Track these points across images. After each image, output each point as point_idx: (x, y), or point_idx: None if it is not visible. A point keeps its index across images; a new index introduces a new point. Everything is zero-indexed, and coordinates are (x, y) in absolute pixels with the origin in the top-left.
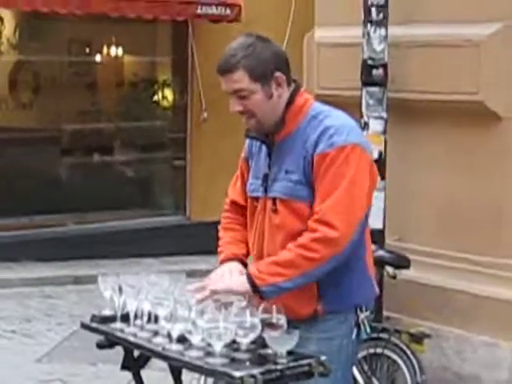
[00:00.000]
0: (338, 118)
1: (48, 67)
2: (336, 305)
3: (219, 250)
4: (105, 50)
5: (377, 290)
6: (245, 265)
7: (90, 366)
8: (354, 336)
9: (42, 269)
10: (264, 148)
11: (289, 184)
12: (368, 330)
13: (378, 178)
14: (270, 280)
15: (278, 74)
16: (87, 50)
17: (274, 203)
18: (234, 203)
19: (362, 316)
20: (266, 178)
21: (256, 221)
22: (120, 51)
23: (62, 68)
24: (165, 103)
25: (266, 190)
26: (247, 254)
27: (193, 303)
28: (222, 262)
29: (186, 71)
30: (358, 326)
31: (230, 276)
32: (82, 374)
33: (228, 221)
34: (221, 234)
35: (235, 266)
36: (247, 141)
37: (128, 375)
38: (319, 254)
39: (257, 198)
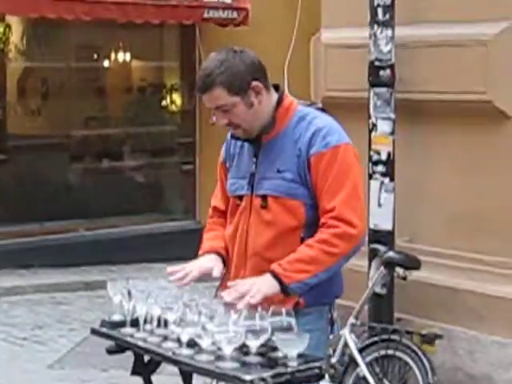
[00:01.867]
0: (325, 120)
1: (56, 73)
2: (315, 298)
3: (201, 247)
4: (112, 55)
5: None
6: (220, 255)
7: (101, 371)
8: (328, 332)
9: (53, 275)
10: (248, 148)
11: (283, 182)
12: (339, 327)
13: (387, 179)
14: (296, 277)
15: (254, 83)
16: (95, 56)
17: (264, 200)
18: (215, 209)
19: (335, 314)
20: (252, 176)
21: (238, 218)
22: (128, 56)
23: (70, 74)
24: (173, 108)
25: (252, 188)
26: (226, 247)
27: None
28: (201, 255)
29: (194, 75)
30: (331, 323)
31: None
32: (94, 380)
33: (210, 224)
34: (204, 236)
35: (208, 257)
36: (224, 144)
37: (139, 380)
38: (340, 249)
39: (240, 197)
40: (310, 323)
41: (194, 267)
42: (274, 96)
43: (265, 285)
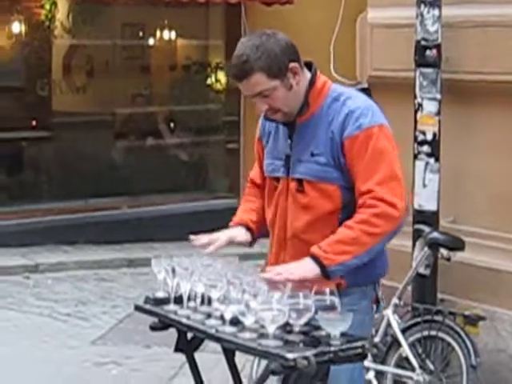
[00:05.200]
0: (359, 100)
1: (101, 51)
2: (357, 279)
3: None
4: (158, 33)
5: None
6: (249, 228)
7: (144, 348)
8: (373, 312)
9: (96, 252)
10: (283, 129)
11: (316, 166)
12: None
13: (432, 160)
14: (337, 259)
15: (291, 64)
16: (140, 34)
17: (300, 184)
18: (252, 182)
19: (379, 293)
20: (287, 158)
21: (276, 201)
22: (173, 34)
23: (115, 52)
24: (218, 86)
25: (288, 171)
26: (257, 221)
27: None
28: (230, 226)
29: None
30: (377, 301)
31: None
32: (137, 357)
33: (245, 195)
34: (239, 207)
35: (236, 229)
36: (260, 120)
37: (182, 357)
38: (381, 229)
39: (277, 178)
40: (353, 303)
41: (221, 235)
42: (308, 76)
43: (303, 268)
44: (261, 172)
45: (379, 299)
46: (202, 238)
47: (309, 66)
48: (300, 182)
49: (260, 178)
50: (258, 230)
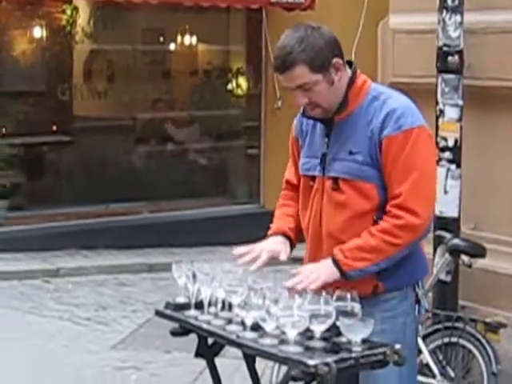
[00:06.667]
0: (400, 100)
1: (122, 56)
2: (395, 282)
3: (271, 225)
4: (179, 38)
5: (428, 264)
6: (288, 237)
7: (164, 353)
8: (416, 313)
9: (116, 256)
10: (320, 127)
11: (354, 165)
12: (426, 305)
13: (454, 166)
14: (355, 265)
15: (335, 60)
16: (161, 39)
17: (336, 182)
18: (288, 182)
19: (420, 292)
20: (324, 157)
21: (312, 200)
22: (194, 40)
23: (136, 57)
24: (239, 92)
25: (324, 170)
26: (295, 228)
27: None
28: (269, 236)
29: (260, 59)
30: (417, 302)
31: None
32: (157, 362)
33: (282, 198)
34: (275, 211)
35: (276, 240)
36: (296, 119)
37: (202, 363)
38: (402, 240)
39: (313, 177)
40: (392, 309)
41: (263, 251)
42: (349, 74)
43: (325, 272)
44: (296, 172)
45: (420, 299)
46: (244, 253)
47: (349, 64)
48: (335, 180)
49: (296, 179)
50: (297, 236)
